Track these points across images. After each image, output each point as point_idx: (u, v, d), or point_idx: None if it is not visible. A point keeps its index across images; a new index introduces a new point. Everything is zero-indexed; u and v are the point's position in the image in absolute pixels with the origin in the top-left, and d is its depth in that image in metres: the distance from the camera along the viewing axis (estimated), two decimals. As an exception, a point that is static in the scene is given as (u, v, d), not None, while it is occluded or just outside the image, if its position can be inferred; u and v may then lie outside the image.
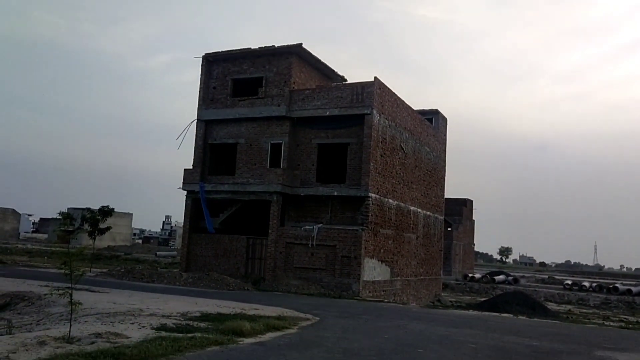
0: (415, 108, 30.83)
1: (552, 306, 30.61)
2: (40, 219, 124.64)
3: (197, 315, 12.59)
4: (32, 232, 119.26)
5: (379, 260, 25.22)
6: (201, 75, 28.69)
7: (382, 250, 25.51)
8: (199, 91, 28.58)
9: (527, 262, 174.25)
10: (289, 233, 25.07)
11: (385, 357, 9.15)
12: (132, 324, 10.82)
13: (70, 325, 9.30)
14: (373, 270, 24.62)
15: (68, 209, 69.03)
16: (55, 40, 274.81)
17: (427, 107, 34.83)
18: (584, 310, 32.03)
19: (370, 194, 24.09)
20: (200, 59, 28.79)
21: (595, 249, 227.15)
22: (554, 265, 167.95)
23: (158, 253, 60.68)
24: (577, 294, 42.14)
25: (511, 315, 18.89)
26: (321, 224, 24.72)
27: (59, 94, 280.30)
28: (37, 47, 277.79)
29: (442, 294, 36.04)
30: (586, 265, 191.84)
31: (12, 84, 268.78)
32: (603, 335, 14.51)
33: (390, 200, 26.40)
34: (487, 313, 19.42)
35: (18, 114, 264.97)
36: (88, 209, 32.31)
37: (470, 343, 11.20)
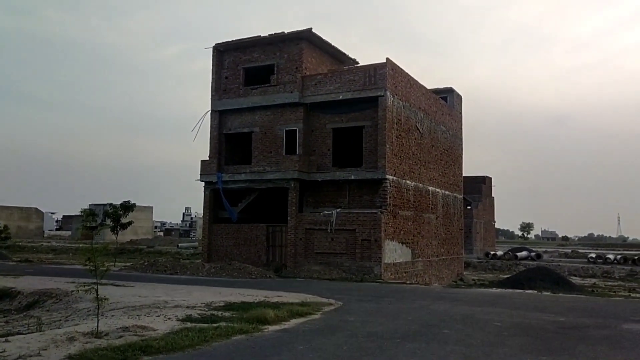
0: (429, 87, 30.49)
1: (576, 280, 30.32)
2: (64, 216, 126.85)
3: (222, 305, 12.71)
4: (56, 229, 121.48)
5: (399, 242, 25.18)
6: (213, 65, 28.67)
7: (402, 232, 25.45)
8: (212, 82, 28.59)
9: (549, 237, 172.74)
10: (308, 219, 25.12)
11: (410, 338, 9.15)
12: (158, 316, 10.97)
13: (98, 321, 9.44)
14: (394, 252, 24.60)
15: (90, 205, 70.10)
16: (65, 37, 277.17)
17: (441, 86, 34.50)
18: (610, 283, 31.70)
19: (387, 176, 23.99)
20: (211, 49, 28.75)
21: (619, 220, 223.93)
22: (576, 238, 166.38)
23: (180, 245, 61.41)
24: (601, 266, 41.60)
25: (535, 291, 18.75)
26: (340, 209, 24.71)
27: (74, 91, 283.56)
28: (49, 45, 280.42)
29: (465, 273, 35.93)
30: (610, 237, 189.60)
31: (29, 84, 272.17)
32: (630, 308, 14.34)
33: (408, 182, 26.26)
34: (510, 290, 19.31)
35: (37, 114, 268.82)
36: (110, 204, 32.68)
37: (495, 321, 11.15)
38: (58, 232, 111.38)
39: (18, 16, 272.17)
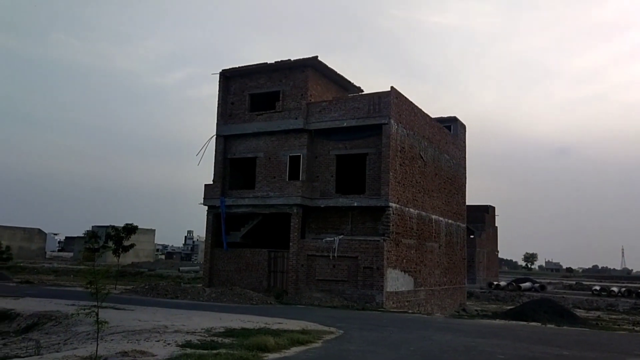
0: (433, 116, 30.71)
1: (580, 313, 29.99)
2: (66, 237, 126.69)
3: (222, 331, 12.60)
4: (58, 250, 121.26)
5: (401, 271, 25.03)
6: (219, 91, 28.99)
7: (404, 260, 25.31)
8: (217, 107, 28.86)
9: (553, 268, 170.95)
10: (310, 245, 25.04)
11: (412, 370, 9.03)
12: (158, 341, 10.88)
13: (97, 345, 9.38)
14: (396, 280, 24.43)
15: (92, 226, 70.16)
16: (73, 61, 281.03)
17: (444, 115, 34.79)
18: (614, 316, 31.34)
19: (390, 204, 23.97)
20: (218, 75, 29.11)
21: (623, 252, 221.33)
22: (581, 270, 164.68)
23: (181, 268, 61.14)
24: (605, 299, 41.24)
25: (539, 323, 18.55)
26: (342, 235, 24.64)
27: (79, 114, 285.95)
28: (56, 68, 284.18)
29: (467, 303, 35.58)
30: (614, 269, 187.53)
31: (35, 106, 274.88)
32: (634, 342, 14.15)
33: (411, 210, 26.23)
34: (514, 322, 19.10)
35: (42, 136, 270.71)
36: (112, 227, 32.69)
37: (499, 354, 11.00)
38: (60, 253, 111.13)
39: (25, 38, 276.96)
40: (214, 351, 9.73)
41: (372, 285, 23.27)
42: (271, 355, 9.84)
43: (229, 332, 12.42)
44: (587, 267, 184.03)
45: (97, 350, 9.01)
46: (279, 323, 14.66)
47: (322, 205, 25.58)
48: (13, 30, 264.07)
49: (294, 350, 10.59)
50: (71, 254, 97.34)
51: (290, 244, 25.27)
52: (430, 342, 12.54)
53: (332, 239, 24.42)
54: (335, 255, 24.06)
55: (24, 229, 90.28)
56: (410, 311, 23.61)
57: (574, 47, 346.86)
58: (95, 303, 9.12)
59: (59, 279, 40.66)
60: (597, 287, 48.51)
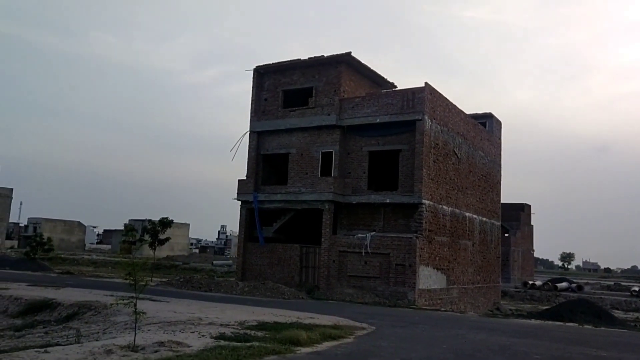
0: (467, 112, 30.27)
1: (618, 314, 29.18)
2: (104, 230, 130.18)
3: (254, 324, 12.75)
4: (97, 243, 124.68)
5: (434, 268, 24.82)
6: (253, 87, 29.24)
7: (437, 258, 25.09)
8: (251, 103, 29.12)
9: (591, 268, 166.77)
10: (342, 241, 25.06)
11: (444, 367, 8.98)
12: (193, 332, 11.09)
13: (135, 335, 9.62)
14: (428, 278, 24.25)
15: (130, 220, 71.97)
16: (110, 58, 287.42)
17: (479, 111, 34.25)
18: (655, 319, 30.31)
19: (423, 201, 23.78)
20: (252, 71, 29.35)
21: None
22: (619, 271, 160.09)
23: (214, 262, 62.09)
24: (646, 301, 39.98)
25: (576, 324, 18.14)
26: (374, 232, 24.59)
27: (117, 110, 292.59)
28: (95, 66, 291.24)
29: (501, 302, 35.02)
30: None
31: (75, 103, 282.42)
32: (678, 346, 13.67)
33: (444, 207, 25.96)
34: (550, 322, 18.71)
35: (81, 131, 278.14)
36: (149, 221, 33.45)
37: (534, 354, 10.81)
38: (99, 246, 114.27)
39: (66, 37, 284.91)
40: (247, 344, 9.86)
41: (404, 283, 23.17)
42: (303, 350, 9.91)
43: (262, 326, 12.55)
44: (625, 268, 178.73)
45: (134, 340, 9.24)
46: (311, 318, 14.73)
47: (354, 202, 25.56)
48: (53, 29, 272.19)
49: (326, 345, 10.64)
50: (109, 247, 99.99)
51: (322, 239, 25.36)
52: (464, 341, 12.41)
53: (364, 235, 24.40)
54: (368, 251, 24.03)
55: (65, 221, 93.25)
56: (442, 309, 23.40)
57: (613, 42, 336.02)
58: (133, 294, 9.35)
59: (98, 271, 41.84)
60: (636, 288, 47.11)
